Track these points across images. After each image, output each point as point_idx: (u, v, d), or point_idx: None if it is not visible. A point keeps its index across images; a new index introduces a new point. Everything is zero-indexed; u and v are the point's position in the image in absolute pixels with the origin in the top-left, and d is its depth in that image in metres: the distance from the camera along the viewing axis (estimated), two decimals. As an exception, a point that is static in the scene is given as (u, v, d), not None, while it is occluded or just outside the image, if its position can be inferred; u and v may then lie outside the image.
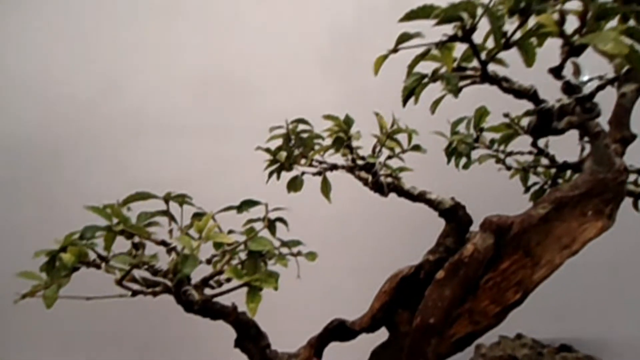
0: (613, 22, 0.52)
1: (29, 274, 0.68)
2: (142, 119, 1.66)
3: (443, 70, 0.60)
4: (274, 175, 0.96)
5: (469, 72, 0.60)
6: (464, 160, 1.00)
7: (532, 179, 1.06)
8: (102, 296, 0.66)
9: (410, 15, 0.52)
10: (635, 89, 0.72)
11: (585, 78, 0.65)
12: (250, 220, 0.76)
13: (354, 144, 0.85)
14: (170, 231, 0.75)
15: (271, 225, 0.75)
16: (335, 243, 1.37)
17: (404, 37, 0.52)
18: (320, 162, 0.89)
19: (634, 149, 0.81)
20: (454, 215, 0.89)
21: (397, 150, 0.84)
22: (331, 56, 1.57)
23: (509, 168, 1.04)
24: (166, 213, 0.77)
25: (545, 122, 0.65)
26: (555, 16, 0.49)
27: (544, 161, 1.01)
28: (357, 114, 0.88)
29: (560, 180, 1.01)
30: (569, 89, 0.57)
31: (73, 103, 1.66)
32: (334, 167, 0.94)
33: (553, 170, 0.99)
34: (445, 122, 0.95)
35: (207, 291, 0.77)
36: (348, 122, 0.79)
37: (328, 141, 0.89)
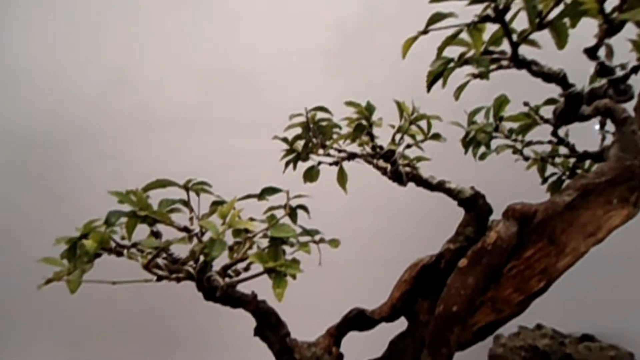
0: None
1: (51, 260, 0.68)
2: (150, 112, 1.66)
3: (470, 54, 0.59)
4: (283, 170, 0.95)
5: (497, 56, 0.59)
6: (481, 150, 0.99)
7: (549, 170, 1.06)
8: (128, 280, 0.65)
9: (443, -6, 0.51)
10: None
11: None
12: (271, 208, 0.75)
13: (374, 132, 0.85)
14: (191, 219, 0.75)
15: (292, 212, 0.75)
16: (350, 234, 1.37)
17: (437, 17, 0.51)
18: (340, 151, 0.88)
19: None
20: (474, 205, 0.88)
21: (419, 137, 0.83)
22: (336, 51, 1.57)
23: (526, 159, 1.03)
24: (186, 203, 0.77)
25: (573, 107, 0.64)
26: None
27: (563, 151, 1.00)
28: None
29: (579, 171, 1.00)
30: (603, 70, 0.57)
31: (83, 97, 1.66)
32: (352, 156, 0.93)
33: (572, 160, 0.98)
34: (454, 115, 0.94)
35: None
36: (369, 109, 0.78)
37: (346, 130, 0.89)
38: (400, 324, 0.95)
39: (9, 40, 1.70)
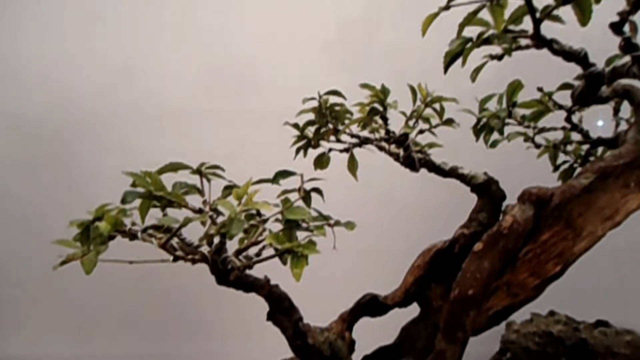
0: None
1: (65, 241, 0.67)
2: (157, 104, 1.65)
3: (490, 33, 0.58)
4: (293, 157, 0.94)
5: (517, 34, 0.58)
6: (493, 138, 0.98)
7: (561, 158, 1.05)
8: (145, 260, 0.65)
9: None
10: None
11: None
12: (285, 192, 0.75)
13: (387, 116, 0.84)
14: (204, 202, 0.74)
15: (306, 196, 0.74)
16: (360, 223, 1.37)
17: (458, -7, 0.50)
18: (353, 136, 0.87)
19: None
20: (487, 190, 0.88)
21: (433, 121, 0.83)
22: (341, 44, 1.57)
23: (537, 146, 1.02)
24: (199, 191, 0.76)
25: (592, 87, 0.64)
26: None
27: (576, 138, 0.99)
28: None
29: (592, 158, 0.99)
30: (629, 46, 0.56)
31: (90, 88, 1.66)
32: (364, 142, 0.93)
33: (585, 147, 0.97)
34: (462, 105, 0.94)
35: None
36: (384, 91, 0.77)
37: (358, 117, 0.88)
38: (412, 312, 0.95)
39: (18, 31, 1.69)
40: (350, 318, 0.84)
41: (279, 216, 0.73)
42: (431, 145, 0.93)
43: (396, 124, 0.92)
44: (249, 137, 1.59)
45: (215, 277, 0.76)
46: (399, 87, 0.90)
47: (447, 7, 0.53)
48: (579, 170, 0.85)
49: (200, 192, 0.77)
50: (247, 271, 0.78)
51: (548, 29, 0.66)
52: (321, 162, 0.97)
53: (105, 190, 0.72)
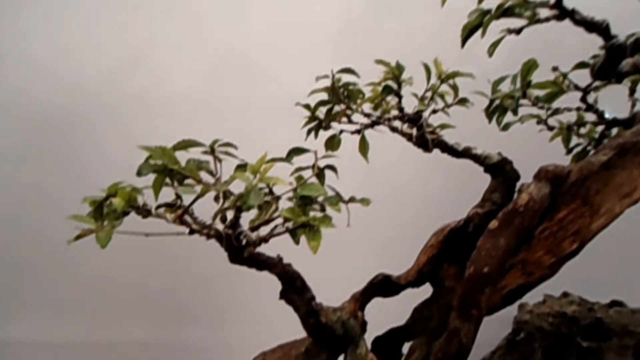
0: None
1: (79, 217, 0.67)
2: (165, 91, 1.65)
3: (510, 3, 0.57)
4: (305, 137, 0.94)
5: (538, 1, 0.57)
6: (506, 120, 0.97)
7: (574, 141, 1.04)
8: (160, 233, 0.65)
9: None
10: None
11: None
12: (299, 169, 0.74)
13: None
14: (217, 179, 0.74)
15: (320, 173, 0.74)
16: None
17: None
18: (366, 115, 0.87)
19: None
20: (501, 170, 0.87)
21: (448, 98, 0.82)
22: (346, 35, 1.57)
23: (550, 128, 1.01)
24: (210, 173, 0.76)
25: (613, 60, 0.63)
26: None
27: (590, 120, 0.98)
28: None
29: (606, 141, 0.98)
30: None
31: (97, 76, 1.65)
32: (376, 122, 0.92)
33: (599, 128, 0.96)
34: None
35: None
36: (399, 68, 0.77)
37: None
38: (424, 294, 0.95)
39: (25, 19, 1.69)
40: (362, 298, 0.84)
41: (292, 194, 0.73)
42: (443, 126, 0.92)
43: (408, 106, 0.92)
44: (256, 125, 1.58)
45: (229, 255, 0.76)
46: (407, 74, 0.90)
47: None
48: (592, 152, 0.84)
49: (212, 171, 0.76)
50: (260, 250, 0.78)
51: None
52: (332, 143, 0.97)
53: (112, 178, 0.72)
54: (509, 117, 0.98)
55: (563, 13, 0.58)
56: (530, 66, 0.88)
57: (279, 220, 0.69)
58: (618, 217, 0.70)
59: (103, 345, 1.54)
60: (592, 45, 0.81)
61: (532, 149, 1.05)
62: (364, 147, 0.96)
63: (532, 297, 0.98)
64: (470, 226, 0.81)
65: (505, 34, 0.66)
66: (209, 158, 0.76)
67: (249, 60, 1.63)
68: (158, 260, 1.58)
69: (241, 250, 0.71)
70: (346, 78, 0.87)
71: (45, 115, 1.64)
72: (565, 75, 0.90)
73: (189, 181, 0.62)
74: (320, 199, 0.73)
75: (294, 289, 0.79)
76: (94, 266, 1.59)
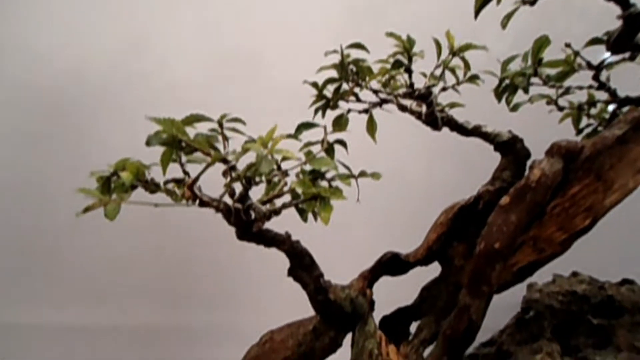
0: None
1: (87, 190, 0.67)
2: (170, 75, 1.64)
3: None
4: (312, 117, 0.93)
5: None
6: (515, 100, 0.96)
7: (584, 122, 1.03)
8: (169, 204, 0.64)
9: None
10: None
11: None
12: (308, 144, 0.73)
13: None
14: (226, 153, 0.73)
15: (329, 148, 0.73)
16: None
17: None
18: (375, 91, 0.86)
19: None
20: (512, 148, 0.86)
21: (459, 72, 0.81)
22: (349, 30, 1.55)
23: (560, 109, 1.00)
24: (214, 147, 0.75)
25: (631, 30, 0.61)
26: None
27: (601, 99, 0.97)
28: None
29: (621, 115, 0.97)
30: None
31: (105, 59, 1.65)
32: (384, 100, 0.91)
33: (610, 109, 0.95)
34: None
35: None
36: (410, 42, 0.75)
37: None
38: (432, 274, 0.94)
39: (28, 4, 1.68)
40: (371, 276, 0.83)
41: (301, 171, 0.72)
42: (453, 105, 0.91)
43: (418, 86, 0.90)
44: (261, 111, 1.57)
45: (237, 230, 0.75)
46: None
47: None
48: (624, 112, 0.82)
49: (224, 142, 0.75)
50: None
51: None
52: (339, 123, 0.96)
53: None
54: (518, 97, 0.97)
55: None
56: (542, 43, 0.86)
57: (288, 199, 0.69)
58: (632, 193, 0.69)
59: (108, 329, 1.55)
60: (601, 27, 0.80)
61: (541, 131, 1.04)
62: (372, 126, 0.94)
63: (541, 278, 0.98)
64: (480, 203, 0.80)
65: (520, 5, 0.65)
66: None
67: (254, 47, 1.61)
68: (163, 245, 1.58)
69: (250, 225, 0.70)
70: (355, 55, 0.86)
71: (48, 100, 1.63)
72: (577, 53, 0.88)
73: (197, 154, 0.62)
74: (329, 175, 0.73)
75: (302, 266, 0.79)
76: (100, 252, 1.59)
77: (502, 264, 0.70)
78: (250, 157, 0.68)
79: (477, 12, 0.61)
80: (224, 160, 0.67)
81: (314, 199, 0.61)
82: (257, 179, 0.68)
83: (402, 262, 0.83)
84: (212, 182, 0.73)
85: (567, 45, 0.86)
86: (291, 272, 0.79)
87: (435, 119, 0.87)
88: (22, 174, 1.61)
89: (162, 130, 0.63)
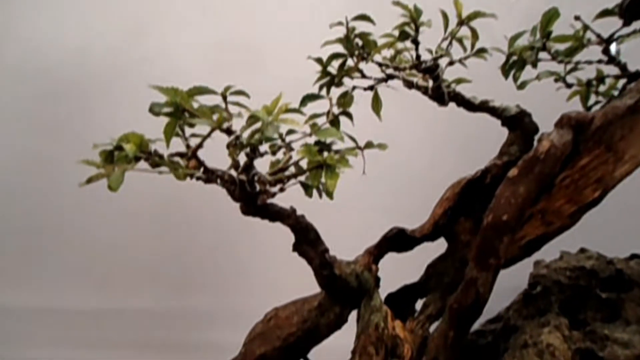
0: None
1: (91, 162, 0.66)
2: (171, 61, 1.63)
3: None
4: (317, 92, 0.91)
5: None
6: (522, 78, 0.95)
7: (592, 99, 1.01)
8: (173, 172, 0.63)
9: None
10: None
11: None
12: (313, 116, 0.72)
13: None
14: (230, 125, 0.72)
15: (335, 120, 0.72)
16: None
17: None
18: (381, 65, 0.84)
19: None
20: (520, 123, 0.85)
21: (466, 42, 0.79)
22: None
23: (569, 86, 0.99)
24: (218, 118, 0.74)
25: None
26: None
27: (611, 74, 0.95)
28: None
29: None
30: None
31: (106, 44, 1.64)
32: (390, 76, 0.90)
33: (620, 85, 0.93)
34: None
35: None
36: (417, 11, 0.74)
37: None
38: (437, 252, 0.93)
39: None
40: (376, 252, 0.83)
41: (307, 142, 0.71)
42: (459, 80, 0.90)
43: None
44: (263, 97, 1.57)
45: (242, 204, 0.74)
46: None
47: None
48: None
49: (227, 114, 0.74)
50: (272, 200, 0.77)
51: None
52: (344, 100, 0.95)
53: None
54: (526, 75, 0.96)
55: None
56: (551, 16, 0.85)
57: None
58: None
59: (113, 312, 1.55)
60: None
61: (549, 111, 1.03)
62: (377, 104, 0.93)
63: (548, 256, 0.97)
64: (487, 177, 0.79)
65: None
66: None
67: (255, 34, 1.60)
68: (167, 228, 1.58)
69: (255, 198, 0.69)
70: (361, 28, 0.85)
71: (50, 85, 1.63)
72: (587, 27, 0.87)
73: (202, 120, 0.61)
74: (335, 147, 0.72)
75: (308, 241, 0.78)
76: (104, 235, 1.59)
77: (510, 237, 0.69)
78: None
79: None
80: (228, 131, 0.66)
81: (319, 167, 0.60)
82: (262, 149, 0.68)
83: (408, 237, 0.82)
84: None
85: (577, 18, 0.85)
86: (296, 247, 0.79)
87: (441, 93, 0.86)
88: (25, 158, 1.60)
89: (168, 98, 0.62)
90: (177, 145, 0.72)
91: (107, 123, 1.62)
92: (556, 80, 0.98)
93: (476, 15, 0.74)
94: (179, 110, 0.62)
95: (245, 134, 0.69)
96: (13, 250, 1.59)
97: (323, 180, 0.64)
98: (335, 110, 0.74)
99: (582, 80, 0.99)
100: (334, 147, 0.73)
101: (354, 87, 0.92)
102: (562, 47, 0.93)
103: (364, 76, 0.91)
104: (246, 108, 0.79)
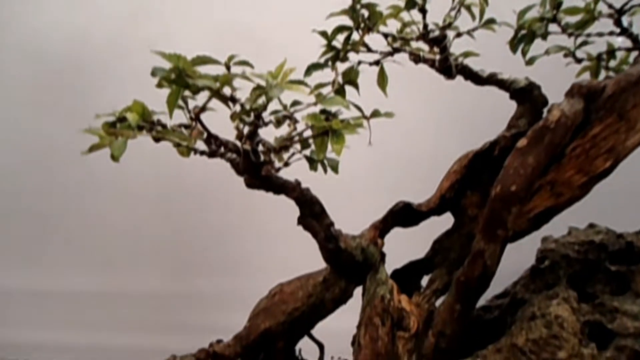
0: None
1: (93, 130, 0.65)
2: (174, 42, 1.62)
3: None
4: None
5: None
6: (531, 54, 0.93)
7: (602, 75, 0.99)
8: (174, 140, 0.62)
9: None
10: None
11: None
12: (319, 85, 0.71)
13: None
14: (234, 95, 0.71)
15: (340, 89, 0.71)
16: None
17: None
18: (386, 35, 0.83)
19: None
20: (529, 95, 0.83)
21: (475, 11, 0.78)
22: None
23: (579, 61, 0.97)
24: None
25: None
26: None
27: (620, 47, 0.93)
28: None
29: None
30: None
31: (110, 25, 1.63)
32: (396, 49, 0.88)
33: (633, 56, 0.91)
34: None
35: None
36: (424, -21, 0.72)
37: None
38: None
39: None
40: (382, 226, 0.82)
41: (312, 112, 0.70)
42: (467, 54, 0.88)
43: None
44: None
45: (246, 176, 0.74)
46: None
47: None
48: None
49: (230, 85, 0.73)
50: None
51: None
52: (350, 76, 0.93)
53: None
54: (534, 50, 0.94)
55: None
56: (561, -14, 0.83)
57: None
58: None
59: (117, 295, 1.55)
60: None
61: (558, 87, 1.01)
62: (382, 79, 0.92)
63: (557, 233, 0.96)
64: (495, 150, 0.78)
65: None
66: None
67: (257, 18, 1.58)
68: (171, 210, 1.57)
69: (259, 168, 0.69)
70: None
71: (54, 66, 1.62)
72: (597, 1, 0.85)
73: (205, 81, 0.59)
74: (341, 117, 0.71)
75: (313, 214, 0.77)
76: (110, 217, 1.59)
77: (519, 207, 0.68)
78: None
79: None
80: (232, 99, 0.65)
81: (325, 134, 0.59)
82: (266, 118, 0.67)
83: (415, 212, 0.81)
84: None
85: (589, -13, 0.83)
86: (301, 220, 0.78)
87: (449, 66, 0.84)
88: (28, 139, 1.60)
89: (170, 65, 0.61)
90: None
91: (109, 105, 1.61)
92: (565, 56, 0.96)
93: (485, -21, 0.72)
94: (181, 76, 0.60)
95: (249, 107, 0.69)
96: (16, 232, 1.60)
97: (329, 149, 0.63)
98: (340, 80, 0.72)
99: (592, 55, 0.97)
100: (340, 118, 0.72)
101: (359, 62, 0.90)
102: (572, 20, 0.92)
103: (369, 50, 0.89)
104: (250, 80, 0.78)
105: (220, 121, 0.73)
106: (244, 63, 0.74)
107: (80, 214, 1.59)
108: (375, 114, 0.67)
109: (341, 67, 0.94)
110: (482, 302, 0.91)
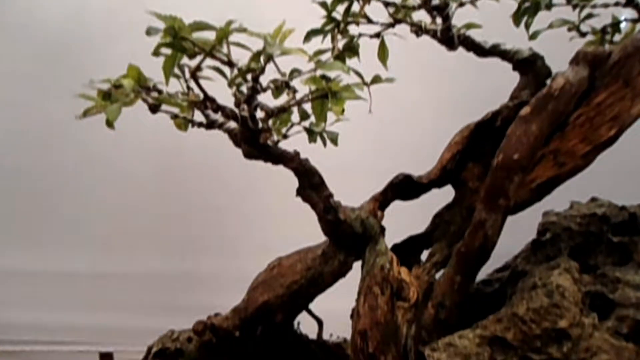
0: None
1: (88, 96, 0.64)
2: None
3: None
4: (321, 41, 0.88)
5: None
6: (534, 29, 0.91)
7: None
8: (171, 103, 0.61)
9: None
10: None
11: None
12: (318, 52, 0.69)
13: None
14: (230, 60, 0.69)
15: (340, 55, 0.69)
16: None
17: None
18: (390, 5, 0.81)
19: None
20: (532, 66, 0.82)
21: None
22: None
23: (583, 34, 0.95)
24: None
25: None
26: None
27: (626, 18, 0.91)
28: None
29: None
30: None
31: (104, 6, 1.60)
32: (397, 21, 0.86)
33: (638, 28, 0.90)
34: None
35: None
36: (428, -59, 0.70)
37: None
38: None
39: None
40: (382, 198, 0.81)
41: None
42: (469, 26, 0.87)
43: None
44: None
45: (245, 146, 0.72)
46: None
47: None
48: None
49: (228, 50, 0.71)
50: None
51: None
52: (350, 49, 0.92)
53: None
54: (537, 25, 0.93)
55: None
56: (567, -46, 0.81)
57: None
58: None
59: (117, 275, 1.55)
60: None
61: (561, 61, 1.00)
62: (383, 52, 0.90)
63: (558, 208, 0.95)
64: (498, 120, 0.76)
65: None
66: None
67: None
68: (171, 190, 1.57)
69: (256, 135, 0.67)
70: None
71: (49, 45, 1.60)
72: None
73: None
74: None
75: (312, 185, 0.76)
76: (108, 198, 1.58)
77: (521, 176, 0.67)
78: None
79: None
80: (230, 63, 0.64)
81: (325, 97, 0.58)
82: (265, 84, 0.65)
83: (415, 184, 0.80)
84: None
85: (595, -44, 0.81)
86: (300, 192, 0.77)
87: (451, 36, 0.83)
88: (25, 119, 1.58)
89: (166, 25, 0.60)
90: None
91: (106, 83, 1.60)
92: (569, 30, 0.95)
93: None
94: (177, 38, 0.59)
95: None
96: (15, 212, 1.59)
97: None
98: (340, 46, 0.70)
99: (597, 29, 0.95)
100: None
101: (359, 35, 0.89)
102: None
103: (370, 21, 0.88)
104: (248, 32, 0.76)
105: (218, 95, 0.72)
106: (242, 30, 0.73)
107: (77, 194, 1.58)
108: (376, 80, 0.66)
109: (341, 42, 0.94)
110: (482, 276, 0.90)
